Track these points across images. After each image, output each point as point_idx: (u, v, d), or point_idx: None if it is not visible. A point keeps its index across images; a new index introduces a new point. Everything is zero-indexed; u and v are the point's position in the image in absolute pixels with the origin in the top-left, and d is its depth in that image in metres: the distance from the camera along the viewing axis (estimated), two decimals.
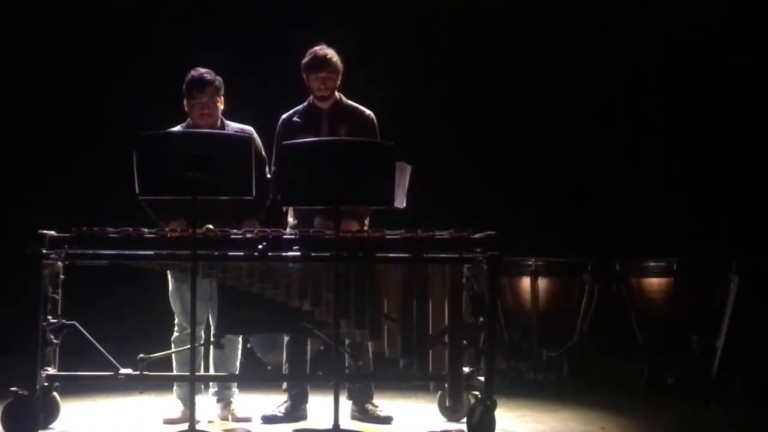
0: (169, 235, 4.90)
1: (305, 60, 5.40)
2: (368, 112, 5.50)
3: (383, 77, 7.07)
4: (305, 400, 5.39)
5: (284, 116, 5.51)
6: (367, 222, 5.40)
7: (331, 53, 5.38)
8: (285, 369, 5.42)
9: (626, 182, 8.01)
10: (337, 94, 5.45)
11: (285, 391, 5.43)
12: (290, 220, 5.46)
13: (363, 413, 5.38)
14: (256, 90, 7.61)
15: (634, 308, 6.83)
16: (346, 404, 5.39)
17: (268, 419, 5.32)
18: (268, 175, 5.44)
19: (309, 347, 5.38)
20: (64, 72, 7.99)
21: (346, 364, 5.26)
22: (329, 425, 4.61)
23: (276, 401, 5.60)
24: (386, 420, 5.33)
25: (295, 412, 5.36)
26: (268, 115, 5.82)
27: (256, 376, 6.14)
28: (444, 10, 8.09)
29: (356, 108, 5.50)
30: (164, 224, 5.17)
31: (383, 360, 5.10)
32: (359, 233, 5.00)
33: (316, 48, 5.40)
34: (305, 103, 5.50)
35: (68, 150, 7.89)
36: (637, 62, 8.11)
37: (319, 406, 5.39)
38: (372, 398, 5.43)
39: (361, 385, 5.39)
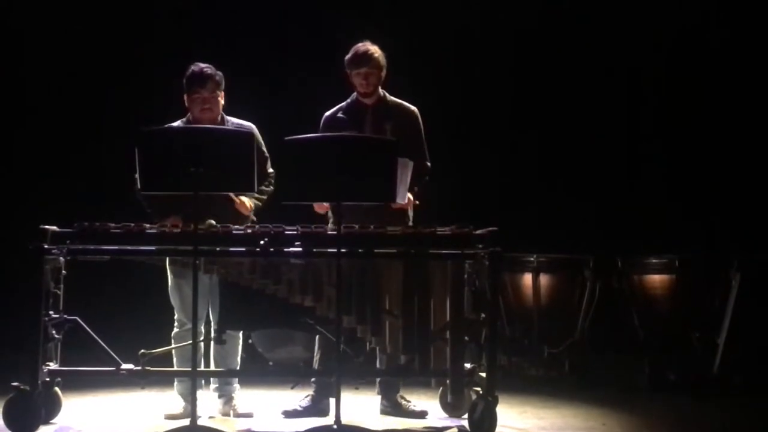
0: (169, 230, 4.92)
1: (348, 56, 5.44)
2: (413, 108, 5.54)
3: (388, 73, 7.05)
4: (330, 395, 5.36)
5: (327, 113, 5.53)
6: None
7: (374, 49, 5.41)
8: (316, 362, 5.44)
9: (628, 179, 8.01)
10: (381, 90, 5.48)
11: (313, 383, 5.44)
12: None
13: (395, 408, 5.40)
14: (258, 86, 7.62)
15: (636, 305, 6.82)
16: (375, 399, 5.46)
17: (289, 414, 5.34)
18: (270, 170, 5.45)
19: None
20: (65, 67, 7.98)
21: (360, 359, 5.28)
22: (349, 421, 4.60)
23: (276, 397, 5.62)
24: (421, 415, 5.35)
25: (318, 405, 5.37)
26: (271, 112, 5.83)
27: (257, 372, 6.15)
28: (447, 8, 8.09)
29: (401, 104, 5.54)
30: (158, 220, 5.18)
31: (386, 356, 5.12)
32: (361, 228, 4.99)
33: (359, 44, 5.44)
34: (349, 100, 5.53)
35: (70, 145, 7.89)
36: (639, 59, 8.10)
37: (346, 402, 5.34)
38: (399, 390, 5.45)
39: (389, 380, 5.39)
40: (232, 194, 5.27)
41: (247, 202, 5.36)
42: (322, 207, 5.37)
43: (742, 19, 7.86)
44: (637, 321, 6.83)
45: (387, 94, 5.52)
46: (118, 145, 5.70)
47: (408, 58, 7.94)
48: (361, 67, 5.39)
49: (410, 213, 5.50)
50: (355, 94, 5.49)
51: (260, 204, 5.45)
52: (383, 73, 5.46)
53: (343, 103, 5.53)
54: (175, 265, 5.21)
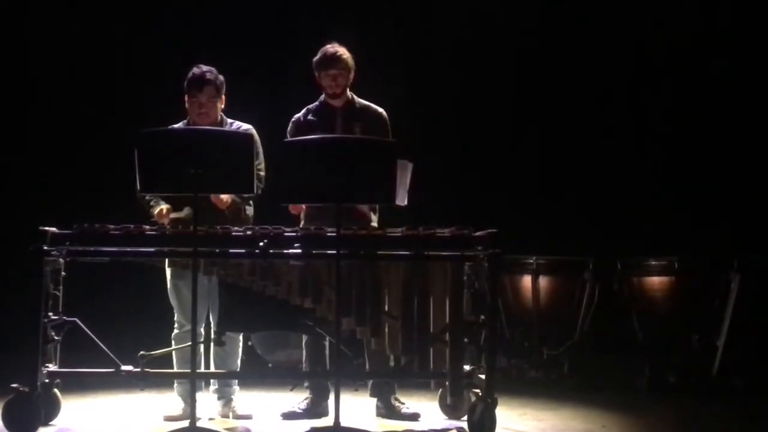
0: (168, 233, 4.93)
1: (316, 58, 5.44)
2: (381, 110, 5.54)
3: (385, 75, 7.07)
4: (326, 397, 5.37)
5: (297, 115, 5.53)
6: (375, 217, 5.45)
7: (342, 51, 5.42)
8: (305, 366, 5.43)
9: (628, 180, 8.01)
10: (349, 93, 5.48)
11: (307, 388, 5.45)
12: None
13: (389, 410, 5.39)
14: (259, 88, 7.62)
15: (635, 307, 6.82)
16: (371, 401, 5.45)
17: (288, 416, 5.33)
18: (261, 173, 5.42)
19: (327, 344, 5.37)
20: (66, 68, 7.99)
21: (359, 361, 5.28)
22: (350, 423, 4.59)
23: (275, 399, 5.61)
24: (413, 417, 5.33)
25: (316, 408, 5.36)
26: (272, 114, 5.82)
27: (256, 374, 6.17)
28: (449, 11, 8.09)
29: (369, 106, 5.53)
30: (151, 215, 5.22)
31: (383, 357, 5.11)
32: (361, 230, 4.99)
33: (327, 46, 5.44)
34: (317, 102, 5.53)
35: (70, 146, 7.90)
36: (638, 61, 8.10)
37: (343, 404, 5.33)
38: (395, 393, 5.44)
39: (384, 382, 5.39)
40: None
41: (224, 196, 5.30)
42: (296, 208, 5.36)
43: (745, 20, 7.84)
44: (637, 323, 6.83)
45: (355, 96, 5.52)
46: (118, 146, 5.70)
47: (408, 59, 7.98)
48: (330, 68, 5.39)
49: (374, 218, 5.49)
50: (323, 95, 5.49)
51: (239, 201, 5.40)
52: (352, 75, 5.46)
53: (312, 105, 5.53)
54: (175, 267, 5.21)
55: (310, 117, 5.48)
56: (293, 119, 5.53)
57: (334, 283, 4.68)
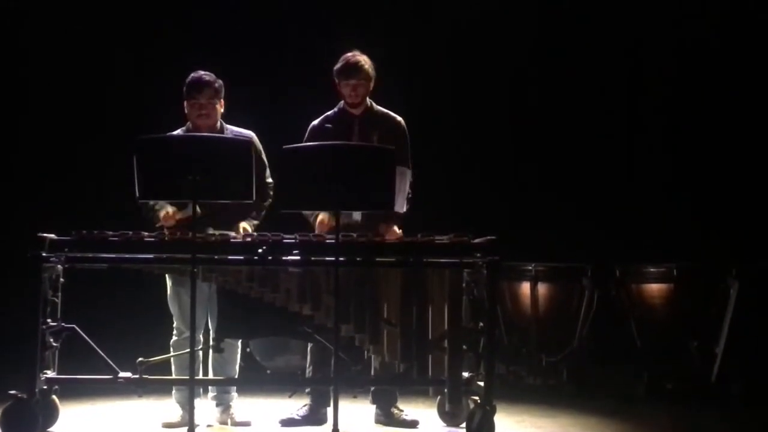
0: (167, 239, 4.93)
1: (337, 66, 5.40)
2: (399, 118, 5.52)
3: (384, 81, 7.07)
4: (326, 403, 5.34)
5: (314, 123, 5.50)
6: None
7: (363, 60, 5.38)
8: (309, 372, 5.43)
9: (626, 187, 8.01)
10: (367, 100, 5.46)
11: (307, 393, 5.44)
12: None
13: (388, 417, 5.38)
14: (259, 94, 7.62)
15: (634, 314, 6.82)
16: (370, 408, 5.45)
17: (286, 422, 5.32)
18: (269, 179, 5.45)
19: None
20: (64, 73, 7.98)
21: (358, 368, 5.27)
22: (348, 430, 4.59)
23: (274, 406, 5.60)
24: (412, 424, 5.33)
25: (315, 415, 5.35)
26: (271, 120, 5.82)
27: (255, 380, 6.15)
28: (447, 14, 8.09)
29: (387, 114, 5.51)
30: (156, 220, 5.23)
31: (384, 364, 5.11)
32: (359, 238, 4.99)
33: (349, 54, 5.41)
34: (335, 109, 5.50)
35: (69, 152, 7.89)
36: (637, 68, 8.11)
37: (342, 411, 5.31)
38: (396, 402, 5.43)
39: (385, 389, 5.38)
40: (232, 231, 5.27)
41: (249, 229, 5.35)
42: (323, 226, 5.34)
43: (745, 22, 7.84)
44: (635, 330, 6.82)
45: (374, 104, 5.50)
46: (117, 152, 5.70)
47: (403, 65, 7.97)
48: (351, 78, 5.36)
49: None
50: (342, 102, 5.47)
51: (258, 223, 5.45)
52: (372, 84, 5.44)
53: (330, 113, 5.51)
54: (175, 273, 5.21)
55: (327, 125, 5.45)
56: (310, 126, 5.51)
57: (333, 290, 4.68)
